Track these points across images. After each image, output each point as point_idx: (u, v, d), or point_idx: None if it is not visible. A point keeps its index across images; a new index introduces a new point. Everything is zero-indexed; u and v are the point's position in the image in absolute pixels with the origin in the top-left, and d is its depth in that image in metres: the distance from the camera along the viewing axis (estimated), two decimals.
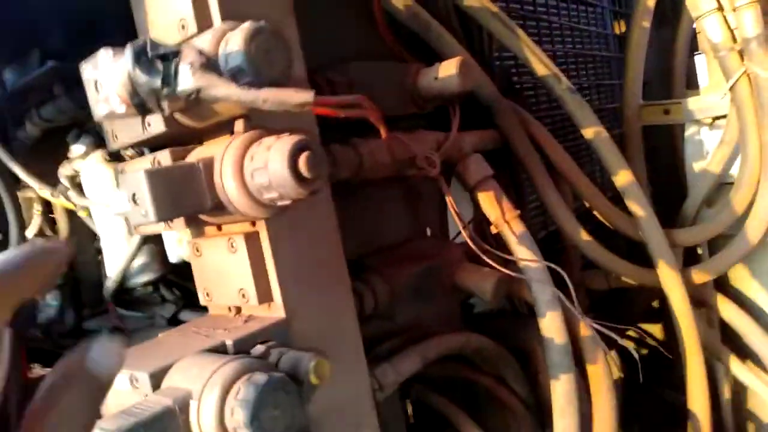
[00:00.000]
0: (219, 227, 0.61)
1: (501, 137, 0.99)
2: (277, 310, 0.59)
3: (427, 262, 0.83)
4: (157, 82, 0.38)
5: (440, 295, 0.86)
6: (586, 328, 0.82)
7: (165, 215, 0.44)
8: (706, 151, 1.25)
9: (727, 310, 1.18)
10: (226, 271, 0.59)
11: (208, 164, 0.47)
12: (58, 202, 1.28)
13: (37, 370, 0.67)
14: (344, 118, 0.58)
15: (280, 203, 0.49)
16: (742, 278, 1.25)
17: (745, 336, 1.16)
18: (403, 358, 0.74)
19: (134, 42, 0.40)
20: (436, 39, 0.90)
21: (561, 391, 0.79)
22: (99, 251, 0.94)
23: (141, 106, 0.39)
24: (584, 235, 1.04)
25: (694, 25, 1.22)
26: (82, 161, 0.87)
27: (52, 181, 0.96)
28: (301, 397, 0.49)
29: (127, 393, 0.48)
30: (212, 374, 0.45)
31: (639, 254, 1.09)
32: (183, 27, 0.55)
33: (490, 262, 0.75)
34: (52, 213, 1.51)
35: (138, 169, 0.45)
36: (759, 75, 1.01)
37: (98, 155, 0.81)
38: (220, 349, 0.52)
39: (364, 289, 0.74)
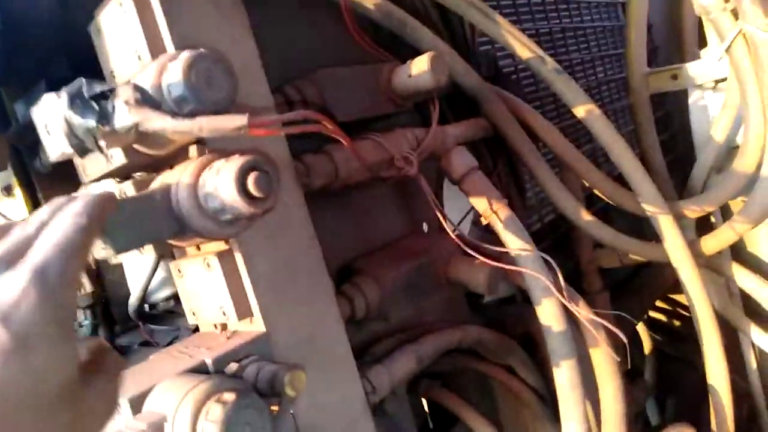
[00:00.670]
0: (198, 247, 0.62)
1: (491, 125, 0.98)
2: (257, 325, 0.60)
3: (418, 257, 0.83)
4: (92, 122, 0.40)
5: (436, 289, 0.86)
6: (585, 312, 0.80)
7: (123, 247, 0.45)
8: (711, 116, 1.21)
9: (744, 278, 1.14)
10: (206, 290, 0.61)
11: (165, 192, 0.49)
12: None
13: None
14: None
15: (239, 223, 0.50)
16: (757, 244, 1.21)
17: (763, 302, 1.12)
18: (396, 358, 0.74)
19: (70, 84, 0.42)
20: (413, 35, 0.90)
21: (563, 378, 0.78)
22: (122, 268, 0.98)
23: (79, 146, 0.41)
24: (586, 215, 1.02)
25: None
26: (96, 184, 0.91)
27: None
28: (278, 410, 0.50)
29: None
30: (184, 396, 0.46)
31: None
32: (139, 58, 0.56)
33: (476, 255, 0.75)
34: None
35: None
36: (755, 34, 0.96)
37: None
38: (201, 369, 0.54)
39: (354, 293, 0.75)
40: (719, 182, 1.12)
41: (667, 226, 0.99)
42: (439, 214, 0.76)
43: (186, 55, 0.46)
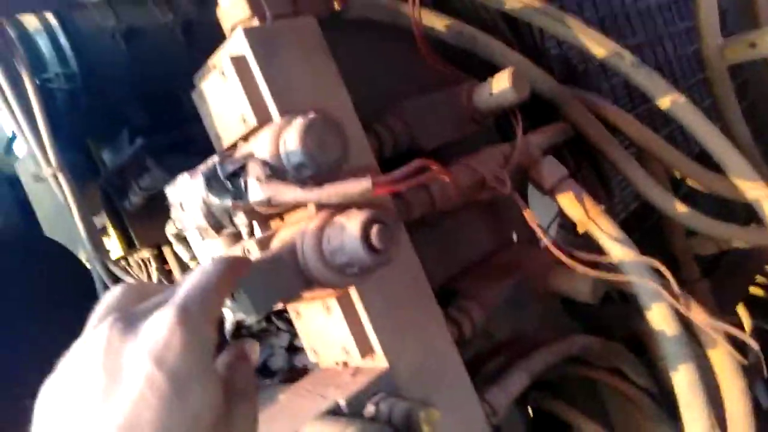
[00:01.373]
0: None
1: (571, 127, 0.97)
2: (379, 360, 0.62)
3: (516, 273, 0.83)
4: (228, 202, 0.43)
5: (536, 302, 0.86)
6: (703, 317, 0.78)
7: (263, 309, 0.48)
8: None
9: None
10: (327, 331, 0.63)
11: (292, 251, 0.51)
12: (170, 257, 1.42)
13: None
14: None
15: (363, 274, 0.52)
16: None
17: None
18: (510, 377, 0.75)
19: (205, 166, 0.45)
20: (485, 49, 0.90)
21: (683, 382, 0.76)
22: None
23: (217, 225, 0.44)
24: (678, 205, 0.99)
25: None
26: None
27: (162, 238, 1.09)
28: None
29: None
30: None
31: None
32: (244, 121, 0.60)
33: (579, 266, 0.74)
34: (167, 266, 1.67)
35: None
36: None
37: None
38: (335, 410, 0.57)
39: (459, 316, 0.76)
40: None
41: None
42: (537, 229, 0.76)
43: (299, 122, 0.48)
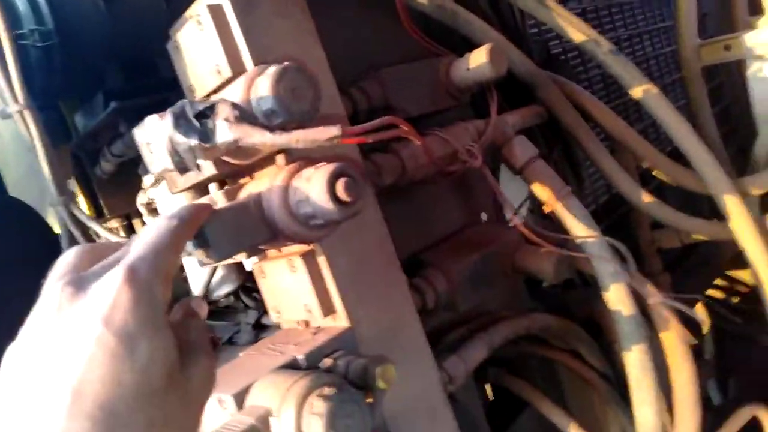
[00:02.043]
0: (279, 249, 0.65)
1: (546, 110, 0.98)
2: (341, 321, 0.63)
3: (484, 249, 0.84)
4: (194, 141, 0.42)
5: (501, 279, 0.87)
6: (657, 296, 0.80)
7: (225, 255, 0.48)
8: None
9: None
10: (290, 290, 0.64)
11: (258, 201, 0.51)
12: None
13: None
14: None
15: (328, 227, 0.52)
16: None
17: None
18: (469, 348, 0.76)
19: (174, 106, 0.44)
20: (465, 25, 0.90)
21: (634, 362, 0.78)
22: (182, 268, 1.02)
23: (180, 163, 0.43)
24: (646, 197, 1.01)
25: None
26: (155, 189, 0.95)
27: (132, 208, 1.07)
28: (372, 402, 0.52)
29: (216, 413, 0.54)
30: (287, 392, 0.49)
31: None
32: (219, 72, 0.59)
33: (545, 244, 0.76)
34: None
35: None
36: None
37: None
38: (293, 365, 0.57)
39: (424, 286, 0.77)
40: None
41: (733, 204, 0.97)
42: (505, 205, 0.77)
43: (273, 69, 0.48)
